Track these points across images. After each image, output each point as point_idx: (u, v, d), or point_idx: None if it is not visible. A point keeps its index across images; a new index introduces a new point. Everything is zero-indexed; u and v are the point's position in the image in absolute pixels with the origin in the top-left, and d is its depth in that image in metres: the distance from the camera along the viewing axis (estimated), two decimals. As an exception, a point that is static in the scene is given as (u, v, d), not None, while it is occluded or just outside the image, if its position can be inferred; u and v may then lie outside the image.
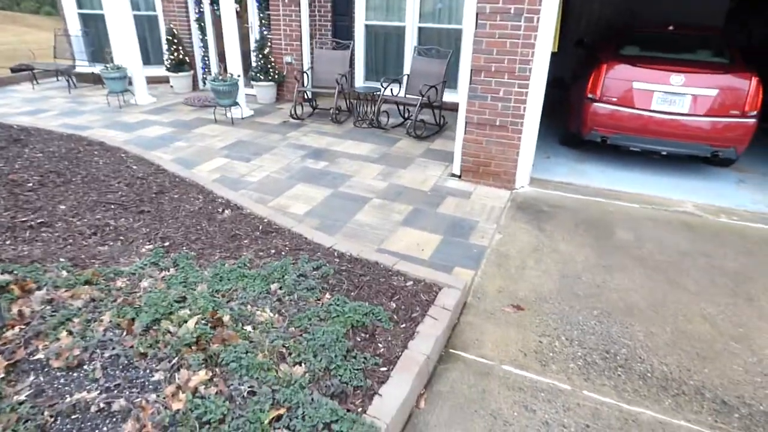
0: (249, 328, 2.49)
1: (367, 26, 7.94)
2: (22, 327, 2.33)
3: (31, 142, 5.16)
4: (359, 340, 2.49)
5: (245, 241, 3.47)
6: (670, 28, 5.50)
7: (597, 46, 6.12)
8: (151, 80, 8.24)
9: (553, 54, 4.46)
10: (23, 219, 3.45)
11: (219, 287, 2.85)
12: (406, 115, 6.91)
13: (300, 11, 7.53)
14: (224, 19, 6.70)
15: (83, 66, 8.72)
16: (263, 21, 7.91)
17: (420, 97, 5.87)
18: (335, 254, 3.35)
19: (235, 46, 6.80)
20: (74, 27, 8.96)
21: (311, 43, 7.90)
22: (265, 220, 3.83)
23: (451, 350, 2.64)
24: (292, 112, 6.97)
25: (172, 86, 8.73)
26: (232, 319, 2.52)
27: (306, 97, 7.48)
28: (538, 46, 4.31)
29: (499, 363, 2.54)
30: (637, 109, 4.91)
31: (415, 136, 6.22)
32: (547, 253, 3.62)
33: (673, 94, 4.79)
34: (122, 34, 7.38)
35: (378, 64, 8.17)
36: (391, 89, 6.66)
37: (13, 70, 9.30)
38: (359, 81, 8.26)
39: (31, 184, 4.06)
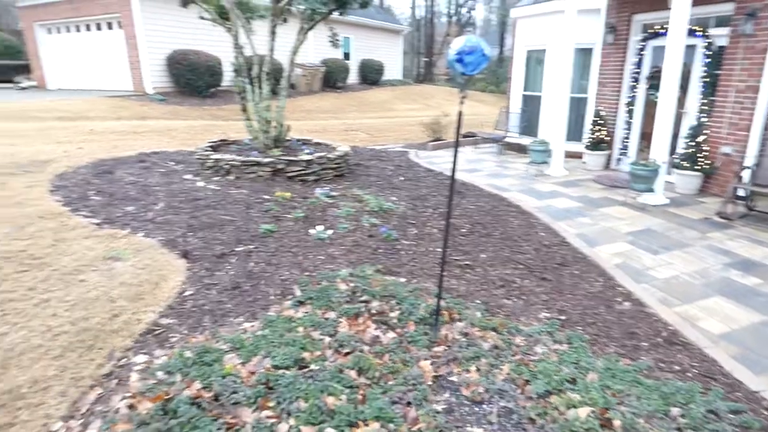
0: (640, 444, 2.24)
1: None
2: (446, 348, 2.85)
3: (467, 195, 6.37)
4: None
5: (644, 344, 3.18)
6: None
7: None
8: (566, 155, 8.80)
9: None
10: (456, 258, 4.27)
11: (610, 384, 2.69)
12: None
13: (757, 99, 6.48)
14: (661, 104, 6.48)
15: (513, 137, 10.21)
16: (704, 107, 7.23)
17: None
18: (763, 404, 2.64)
19: (666, 132, 6.47)
20: (515, 105, 10.62)
21: (763, 135, 6.66)
22: (670, 328, 3.41)
23: None
24: (720, 209, 6.02)
25: (584, 162, 9.09)
26: (623, 427, 2.32)
27: (740, 195, 6.33)
28: None
29: None
30: None
31: None
32: None
33: None
34: (554, 114, 8.23)
35: None
36: None
37: (464, 136, 11.82)
38: (827, 186, 6.37)
39: (464, 230, 5.00)
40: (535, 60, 10.27)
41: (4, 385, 2.42)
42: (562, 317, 3.43)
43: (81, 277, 3.45)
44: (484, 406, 2.40)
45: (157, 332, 2.95)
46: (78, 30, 16.56)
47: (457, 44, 2.30)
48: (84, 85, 16.71)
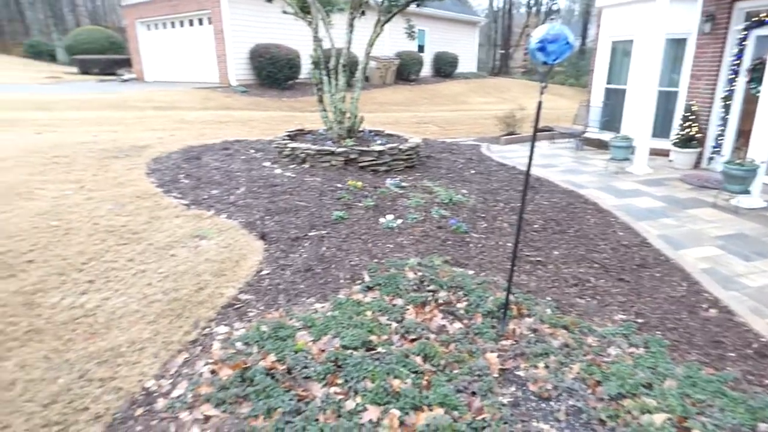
0: (722, 458, 2.11)
1: None
2: (513, 342, 2.82)
3: (540, 191, 6.18)
4: None
5: (731, 354, 2.95)
6: None
7: None
8: (650, 152, 8.25)
9: None
10: (527, 254, 4.18)
11: (690, 392, 2.54)
12: None
13: None
14: (764, 99, 5.90)
15: (593, 132, 9.73)
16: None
17: None
18: None
19: (769, 129, 5.89)
20: (597, 99, 10.10)
21: None
22: (762, 339, 3.13)
23: None
24: (831, 216, 5.41)
25: (671, 160, 8.49)
26: (703, 438, 2.19)
27: None
28: None
29: None
30: None
31: None
32: None
33: None
34: (640, 108, 7.74)
35: None
36: None
37: (539, 130, 11.43)
38: None
39: (536, 226, 4.86)
40: (621, 51, 9.70)
41: (107, 343, 2.71)
42: (640, 320, 3.27)
43: (172, 252, 3.76)
44: (552, 403, 2.36)
45: (236, 306, 3.16)
46: (173, 26, 17.82)
47: (540, 32, 2.25)
48: (176, 78, 17.98)
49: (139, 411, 2.28)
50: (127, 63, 20.28)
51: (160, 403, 2.33)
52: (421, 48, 22.28)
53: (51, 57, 26.18)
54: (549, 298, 3.44)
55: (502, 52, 37.94)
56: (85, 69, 20.26)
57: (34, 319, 2.84)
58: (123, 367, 2.55)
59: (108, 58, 20.85)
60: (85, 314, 2.93)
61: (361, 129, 7.49)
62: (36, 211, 4.18)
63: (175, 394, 2.39)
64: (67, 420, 2.18)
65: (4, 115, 9.29)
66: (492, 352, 2.72)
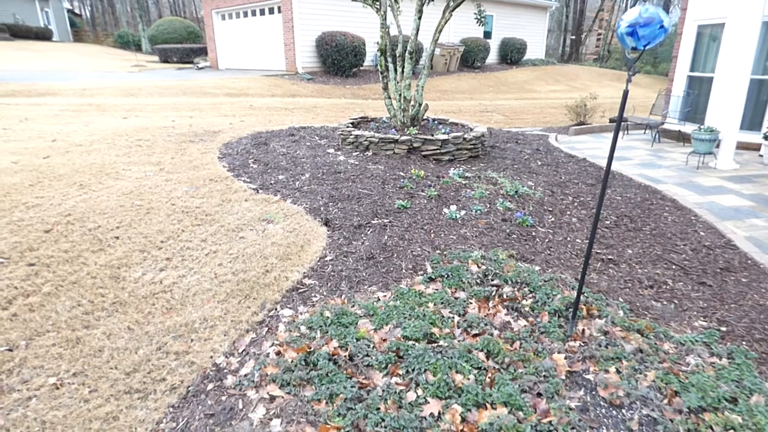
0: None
1: None
2: (582, 344, 2.69)
3: (612, 185, 5.85)
4: None
5: (832, 373, 2.66)
6: None
7: None
8: (737, 146, 7.57)
9: None
10: (597, 251, 3.98)
11: (782, 411, 2.32)
12: None
13: None
14: None
15: (672, 123, 9.07)
16: None
17: None
18: None
19: None
20: (678, 88, 9.39)
21: None
22: None
23: None
24: None
25: (761, 155, 7.75)
26: (798, 463, 2.00)
27: None
28: None
29: None
30: None
31: None
32: None
33: None
34: (728, 98, 7.10)
35: None
36: None
37: (610, 120, 10.84)
38: None
39: (608, 222, 4.62)
40: (709, 36, 8.91)
41: (182, 318, 2.87)
42: (723, 328, 3.02)
43: (241, 234, 3.91)
44: (624, 411, 2.24)
45: (301, 290, 3.24)
46: (245, 16, 18.43)
47: (631, 15, 2.08)
48: (246, 66, 18.64)
49: (210, 386, 2.39)
50: (202, 52, 21.28)
51: (229, 379, 2.43)
52: (487, 34, 21.67)
53: (137, 47, 28.01)
54: (621, 300, 3.26)
55: (573, 38, 36.11)
56: (165, 58, 21.47)
57: (119, 292, 3.05)
58: (196, 343, 2.69)
59: (185, 47, 21.98)
60: (163, 290, 3.11)
61: (424, 117, 7.41)
62: (122, 190, 4.48)
63: (242, 372, 2.48)
64: (147, 389, 2.33)
65: (98, 101, 10.04)
66: (559, 352, 2.61)
